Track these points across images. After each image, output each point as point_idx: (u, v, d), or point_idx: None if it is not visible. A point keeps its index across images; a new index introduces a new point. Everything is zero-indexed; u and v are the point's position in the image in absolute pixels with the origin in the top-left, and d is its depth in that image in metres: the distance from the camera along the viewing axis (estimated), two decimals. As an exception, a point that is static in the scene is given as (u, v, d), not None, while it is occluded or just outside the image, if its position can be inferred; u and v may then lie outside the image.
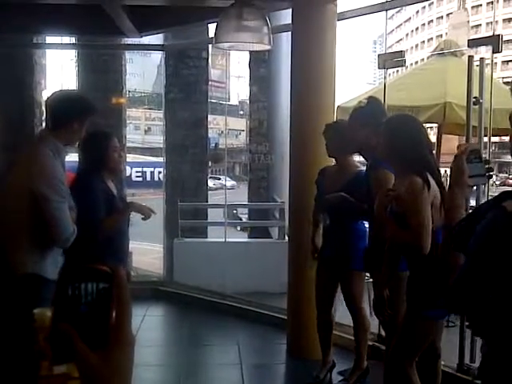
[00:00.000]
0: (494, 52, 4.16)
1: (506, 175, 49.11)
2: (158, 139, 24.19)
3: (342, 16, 4.77)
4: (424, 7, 71.74)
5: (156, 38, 7.47)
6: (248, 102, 8.67)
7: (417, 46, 75.99)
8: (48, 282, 2.95)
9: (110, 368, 0.68)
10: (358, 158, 4.22)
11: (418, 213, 2.97)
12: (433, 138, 8.44)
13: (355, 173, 4.00)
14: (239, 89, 35.22)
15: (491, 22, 58.65)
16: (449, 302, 1.52)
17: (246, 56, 8.23)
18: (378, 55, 4.72)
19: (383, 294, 3.27)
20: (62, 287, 0.68)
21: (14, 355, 0.63)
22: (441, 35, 65.07)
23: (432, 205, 3.00)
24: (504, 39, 4.25)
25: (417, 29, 78.14)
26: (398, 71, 8.03)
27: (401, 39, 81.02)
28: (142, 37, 6.18)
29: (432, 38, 70.20)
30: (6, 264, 2.94)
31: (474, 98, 4.12)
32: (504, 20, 57.87)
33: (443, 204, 3.06)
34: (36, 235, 2.97)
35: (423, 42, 74.76)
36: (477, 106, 4.14)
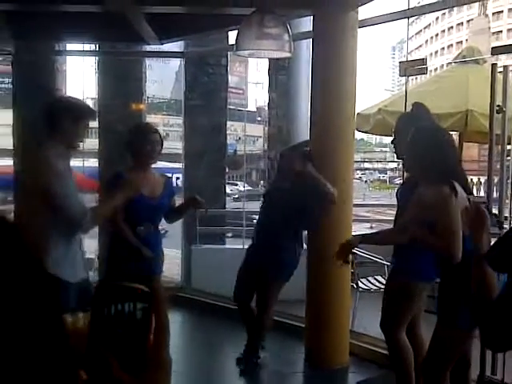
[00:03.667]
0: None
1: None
2: (175, 145, 24.27)
3: (364, 23, 4.76)
4: (444, 13, 71.28)
5: (176, 45, 7.51)
6: (267, 108, 8.66)
7: (436, 52, 75.55)
8: (66, 285, 3.03)
9: None
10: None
11: (447, 222, 2.96)
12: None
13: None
14: (257, 95, 35.29)
15: (512, 29, 58.12)
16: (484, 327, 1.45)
17: (265, 63, 8.24)
18: (400, 62, 4.71)
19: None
20: (99, 307, 0.66)
21: (50, 364, 0.60)
22: (461, 42, 64.63)
23: (461, 213, 2.99)
24: (526, 46, 4.21)
25: (437, 35, 77.69)
26: (416, 78, 7.97)
27: (420, 45, 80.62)
28: (162, 44, 6.22)
29: (452, 45, 69.78)
30: (33, 264, 2.98)
31: (498, 106, 4.08)
32: (526, 27, 57.29)
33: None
34: (53, 234, 3.12)
35: (443, 48, 74.32)
36: (500, 115, 4.10)
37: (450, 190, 2.97)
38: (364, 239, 3.57)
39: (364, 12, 4.73)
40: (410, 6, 4.97)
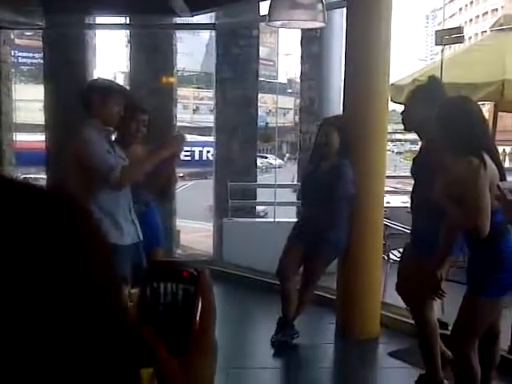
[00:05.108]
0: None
1: None
2: (206, 118, 24.27)
3: (398, -9, 4.63)
4: (479, -20, 69.27)
5: (206, 17, 7.44)
6: (299, 80, 8.55)
7: (471, 20, 73.52)
8: (113, 247, 3.12)
9: (192, 376, 0.63)
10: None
11: (475, 194, 2.94)
12: (486, 115, 8.23)
13: None
14: (288, 67, 34.96)
15: (551, -5, 56.12)
16: None
17: (297, 33, 8.11)
18: (436, 31, 4.59)
19: (438, 276, 3.27)
20: (145, 285, 0.64)
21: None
22: (496, 9, 62.70)
23: (490, 185, 2.96)
24: None
25: (471, 3, 75.51)
26: (450, 47, 7.77)
27: (454, 14, 78.53)
28: (193, 16, 6.16)
29: (487, 12, 67.78)
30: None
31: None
32: None
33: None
34: (93, 198, 3.28)
35: (477, 16, 72.26)
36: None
37: (479, 161, 2.93)
38: (441, 260, 3.38)
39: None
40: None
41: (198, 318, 0.63)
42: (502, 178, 3.06)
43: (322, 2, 3.99)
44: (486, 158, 2.97)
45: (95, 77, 6.73)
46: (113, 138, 3.67)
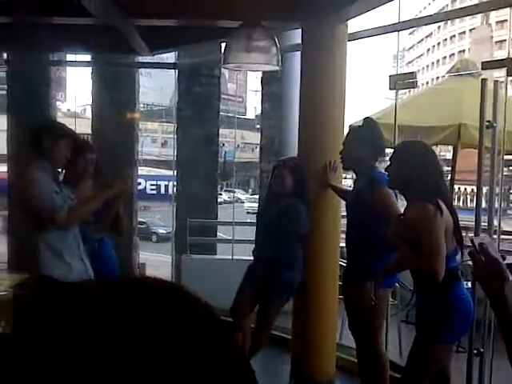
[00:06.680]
0: (508, 75, 4.08)
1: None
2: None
3: (354, 36, 4.73)
4: (446, 23, 71.39)
5: (170, 56, 7.51)
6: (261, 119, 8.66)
7: (438, 61, 75.54)
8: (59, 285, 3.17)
9: None
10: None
11: (432, 239, 2.97)
12: (449, 155, 8.37)
13: None
14: (256, 103, 35.29)
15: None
16: None
17: (260, 73, 8.23)
18: (389, 76, 4.66)
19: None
20: None
21: None
22: (463, 51, 64.63)
23: (445, 231, 3.00)
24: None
25: (438, 44, 77.68)
26: (410, 91, 7.96)
27: (422, 54, 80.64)
28: (153, 55, 6.21)
29: (454, 54, 69.75)
30: None
31: (487, 121, 4.05)
32: (527, 36, 57.12)
33: (456, 229, 3.07)
34: (40, 236, 3.40)
35: (445, 57, 74.30)
36: (490, 130, 4.07)
37: (435, 208, 2.97)
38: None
39: (354, 25, 4.70)
40: (402, 19, 4.94)
41: None
42: (456, 224, 3.11)
43: (277, 46, 4.04)
44: (441, 204, 3.01)
45: (50, 116, 6.83)
46: (60, 178, 3.70)
